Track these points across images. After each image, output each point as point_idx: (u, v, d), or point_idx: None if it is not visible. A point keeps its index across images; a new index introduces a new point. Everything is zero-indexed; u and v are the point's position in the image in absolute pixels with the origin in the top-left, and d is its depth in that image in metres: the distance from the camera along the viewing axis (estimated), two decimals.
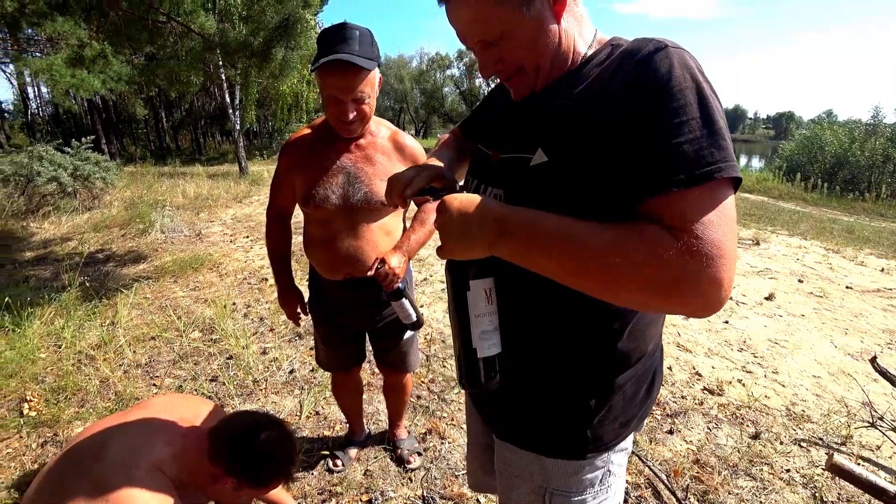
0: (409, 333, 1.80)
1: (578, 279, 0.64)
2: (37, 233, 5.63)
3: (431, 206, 1.46)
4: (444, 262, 0.78)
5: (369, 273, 1.56)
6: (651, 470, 2.00)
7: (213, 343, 3.00)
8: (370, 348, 1.89)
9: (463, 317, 0.75)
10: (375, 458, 2.11)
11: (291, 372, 2.70)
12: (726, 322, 3.64)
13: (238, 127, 10.18)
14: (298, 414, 2.36)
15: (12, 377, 2.54)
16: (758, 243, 6.06)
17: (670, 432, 2.29)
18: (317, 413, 2.37)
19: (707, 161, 0.60)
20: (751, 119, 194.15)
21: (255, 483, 1.18)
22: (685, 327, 3.49)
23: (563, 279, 0.65)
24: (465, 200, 0.71)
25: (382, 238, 1.59)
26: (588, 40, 0.79)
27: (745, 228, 7.01)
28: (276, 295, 3.69)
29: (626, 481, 1.93)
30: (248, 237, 5.44)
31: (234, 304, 3.55)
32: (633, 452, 2.02)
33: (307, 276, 1.82)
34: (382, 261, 1.52)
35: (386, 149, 1.57)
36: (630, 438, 0.91)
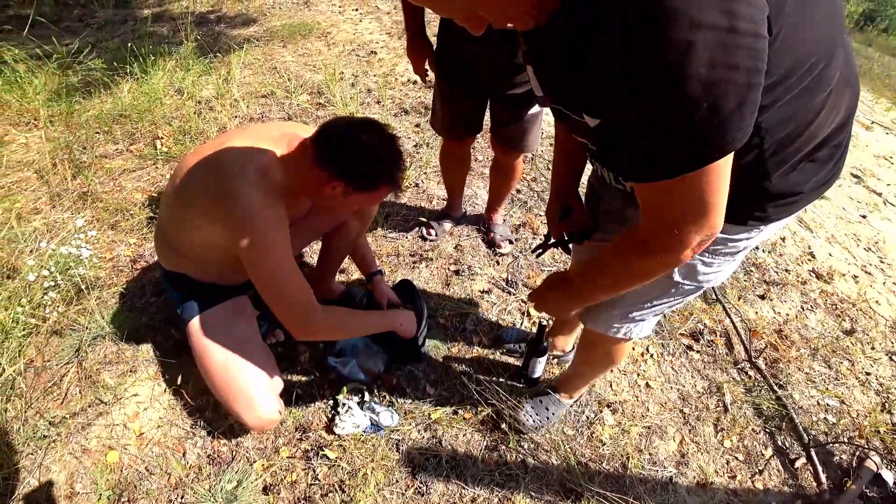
0: (536, 108, 1.55)
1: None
2: None
3: None
4: None
5: (510, 24, 1.27)
6: (732, 322, 2.00)
7: (321, 107, 2.97)
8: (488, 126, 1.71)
9: None
10: (468, 236, 2.09)
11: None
12: (864, 217, 3.16)
13: None
14: None
15: (145, 115, 2.72)
16: None
17: (762, 297, 2.24)
18: (416, 185, 2.35)
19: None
20: None
21: (362, 184, 1.13)
22: (815, 206, 3.05)
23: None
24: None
25: None
26: None
27: None
28: (384, 69, 3.55)
29: (705, 325, 1.96)
30: (356, 10, 5.02)
31: (341, 73, 3.41)
32: (718, 300, 1.99)
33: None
34: None
35: None
36: (792, 217, 0.84)
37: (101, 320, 1.62)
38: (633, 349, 1.83)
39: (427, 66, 1.63)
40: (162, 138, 2.56)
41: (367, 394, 1.49)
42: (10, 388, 1.46)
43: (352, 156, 1.09)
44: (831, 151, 0.75)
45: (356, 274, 1.88)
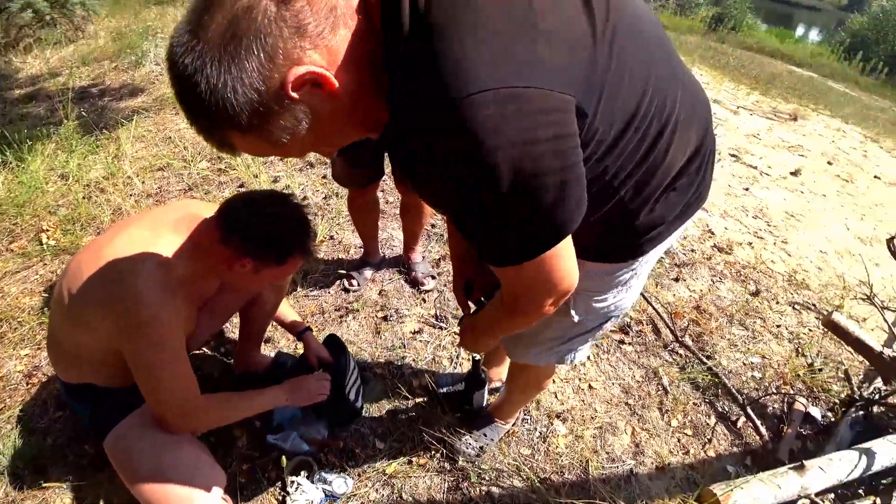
0: None
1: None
2: (22, 69, 5.22)
3: None
4: None
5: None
6: (654, 309, 2.13)
7: (223, 172, 2.87)
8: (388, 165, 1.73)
9: None
10: (390, 279, 2.09)
11: (304, 199, 2.60)
12: (746, 189, 3.63)
13: None
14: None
15: (25, 207, 2.49)
16: (795, 119, 5.88)
17: (676, 280, 2.42)
18: (331, 237, 2.32)
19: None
20: None
21: (273, 258, 1.10)
22: None
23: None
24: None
25: None
26: None
27: (786, 102, 6.87)
28: None
29: (630, 317, 2.10)
30: None
31: None
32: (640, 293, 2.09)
33: None
34: None
35: None
36: (675, 235, 0.87)
37: None
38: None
39: None
40: (48, 231, 2.34)
41: (315, 465, 1.41)
42: None
43: (257, 231, 1.06)
44: (691, 178, 0.79)
45: (283, 341, 1.80)
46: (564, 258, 0.65)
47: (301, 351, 1.71)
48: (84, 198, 2.57)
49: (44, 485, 1.39)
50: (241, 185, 2.70)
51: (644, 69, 0.65)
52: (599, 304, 0.95)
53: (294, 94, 0.52)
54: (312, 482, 1.36)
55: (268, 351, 1.75)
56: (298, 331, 1.55)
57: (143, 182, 2.75)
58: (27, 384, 1.67)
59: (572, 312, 0.97)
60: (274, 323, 1.79)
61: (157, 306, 1.01)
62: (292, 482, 1.34)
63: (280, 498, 1.36)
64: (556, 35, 0.54)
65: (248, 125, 0.53)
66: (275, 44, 0.50)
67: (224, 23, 0.49)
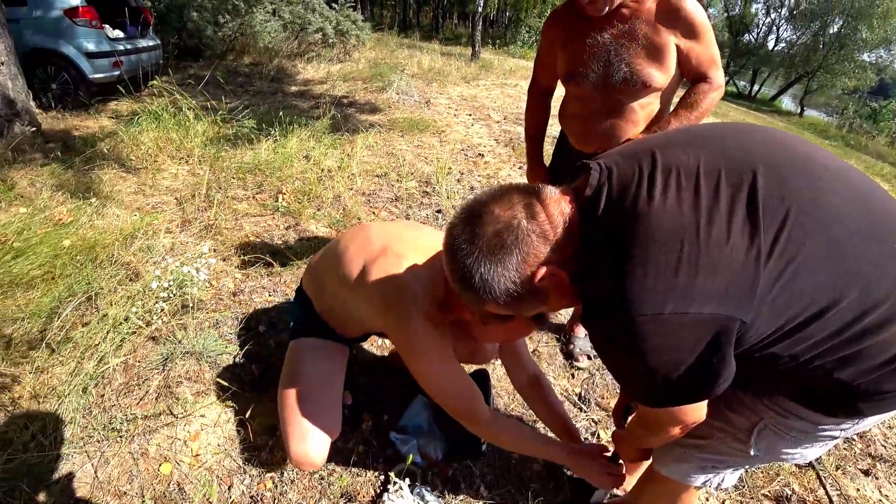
0: None
1: None
2: (301, 73, 6.65)
3: (706, 87, 1.43)
4: None
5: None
6: (827, 495, 1.71)
7: (427, 195, 3.22)
8: None
9: None
10: (546, 343, 2.07)
11: None
12: None
13: (480, 9, 10.10)
14: None
15: (276, 171, 3.09)
16: None
17: (865, 473, 1.88)
18: None
19: None
20: None
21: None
22: None
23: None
24: None
25: (643, 116, 1.49)
26: None
27: None
28: (488, 171, 3.84)
29: (794, 490, 1.73)
30: (470, 115, 5.57)
31: (450, 168, 3.72)
32: (812, 465, 1.78)
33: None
34: None
35: (651, 17, 1.37)
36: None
37: (193, 339, 1.75)
38: (707, 500, 1.64)
39: None
40: (284, 194, 2.88)
41: (419, 478, 1.44)
42: (102, 377, 1.59)
43: None
44: None
45: None
46: (693, 408, 0.80)
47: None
48: (317, 178, 3.10)
49: (213, 378, 1.65)
50: (439, 211, 3.00)
51: (838, 266, 0.67)
52: (787, 448, 0.87)
53: (538, 284, 0.73)
54: (412, 492, 1.38)
55: None
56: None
57: (361, 181, 3.23)
58: (231, 299, 2.03)
59: (752, 447, 0.89)
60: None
61: (424, 334, 1.07)
62: (395, 482, 1.39)
63: (378, 490, 1.41)
64: (718, 265, 0.64)
65: (504, 302, 0.75)
66: (528, 250, 0.70)
67: (492, 235, 0.71)
